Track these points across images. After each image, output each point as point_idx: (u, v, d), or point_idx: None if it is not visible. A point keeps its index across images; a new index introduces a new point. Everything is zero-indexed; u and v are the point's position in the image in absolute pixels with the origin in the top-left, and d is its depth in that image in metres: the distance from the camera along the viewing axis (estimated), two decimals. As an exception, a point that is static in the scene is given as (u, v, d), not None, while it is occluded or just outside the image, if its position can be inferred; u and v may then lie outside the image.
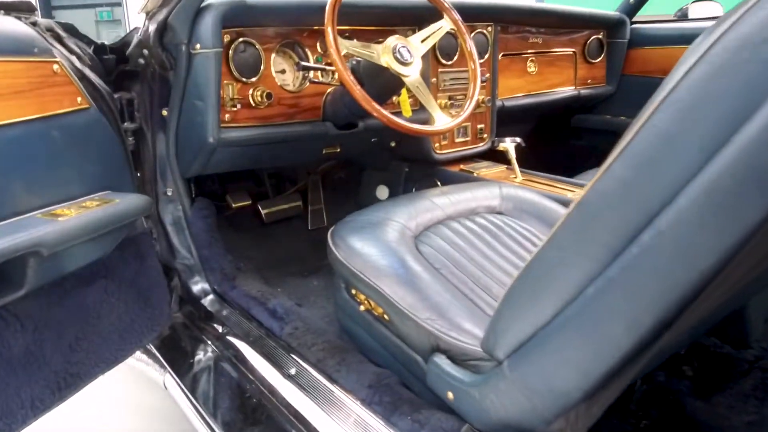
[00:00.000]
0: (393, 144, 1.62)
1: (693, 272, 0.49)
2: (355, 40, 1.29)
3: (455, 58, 1.56)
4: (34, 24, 1.05)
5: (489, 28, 1.63)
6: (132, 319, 1.11)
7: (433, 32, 1.20)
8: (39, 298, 0.96)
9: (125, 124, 1.24)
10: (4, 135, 0.89)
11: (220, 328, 1.26)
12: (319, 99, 1.34)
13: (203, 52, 1.11)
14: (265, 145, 1.28)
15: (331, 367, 0.99)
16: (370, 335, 0.98)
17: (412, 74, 1.13)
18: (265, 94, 1.21)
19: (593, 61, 2.02)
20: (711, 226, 0.47)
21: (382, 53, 1.10)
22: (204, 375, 1.23)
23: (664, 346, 0.61)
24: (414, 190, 1.69)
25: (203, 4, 1.12)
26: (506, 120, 1.75)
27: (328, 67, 1.25)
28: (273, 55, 1.26)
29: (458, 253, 1.02)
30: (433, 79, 1.53)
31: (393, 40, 1.11)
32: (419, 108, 1.49)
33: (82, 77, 1.07)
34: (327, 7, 1.05)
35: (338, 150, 1.48)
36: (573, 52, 1.97)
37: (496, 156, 1.63)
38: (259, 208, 1.65)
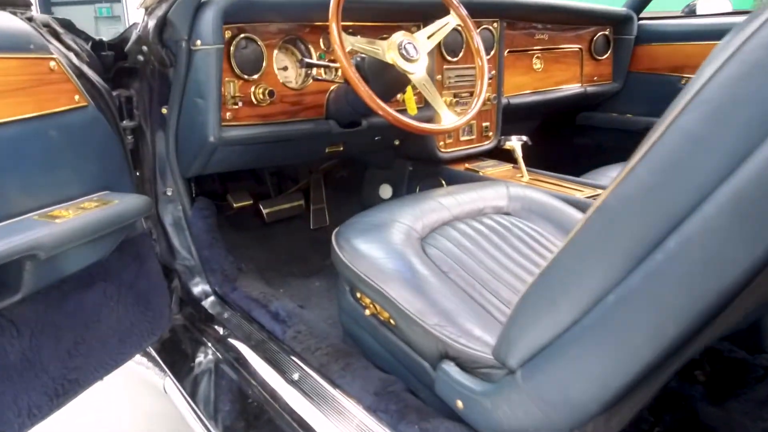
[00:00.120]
0: (397, 142, 1.59)
1: (720, 282, 0.46)
2: (359, 37, 1.26)
3: (460, 54, 1.53)
4: (30, 19, 1.02)
5: (495, 24, 1.59)
6: (132, 322, 1.08)
7: (440, 28, 1.17)
8: (36, 303, 0.93)
9: (124, 122, 1.22)
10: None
11: (221, 331, 1.24)
12: (322, 96, 1.31)
13: (204, 49, 1.08)
14: (267, 144, 1.25)
15: (335, 373, 0.96)
16: (375, 340, 0.96)
17: (418, 71, 1.10)
18: (267, 91, 1.18)
19: (600, 57, 1.99)
20: (740, 234, 0.45)
21: (388, 50, 1.07)
22: (205, 379, 1.21)
23: (686, 355, 0.58)
24: (418, 189, 1.66)
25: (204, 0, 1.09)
26: (511, 118, 1.73)
27: (331, 64, 1.22)
28: (275, 52, 1.23)
29: (466, 255, 0.99)
30: (438, 76, 1.50)
31: (399, 36, 1.08)
32: (424, 106, 1.47)
33: (80, 74, 1.05)
34: (331, 3, 1.02)
35: (341, 149, 1.45)
36: (579, 48, 1.94)
37: (501, 154, 1.60)
38: (261, 207, 1.62)
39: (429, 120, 1.51)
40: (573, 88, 1.94)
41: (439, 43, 1.33)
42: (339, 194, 1.85)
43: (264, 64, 1.20)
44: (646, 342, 0.52)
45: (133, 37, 1.15)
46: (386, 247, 0.95)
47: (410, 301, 0.84)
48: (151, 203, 1.07)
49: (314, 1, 1.21)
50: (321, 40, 1.31)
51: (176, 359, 1.35)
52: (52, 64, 0.98)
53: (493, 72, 1.62)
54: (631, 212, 0.53)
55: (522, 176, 1.44)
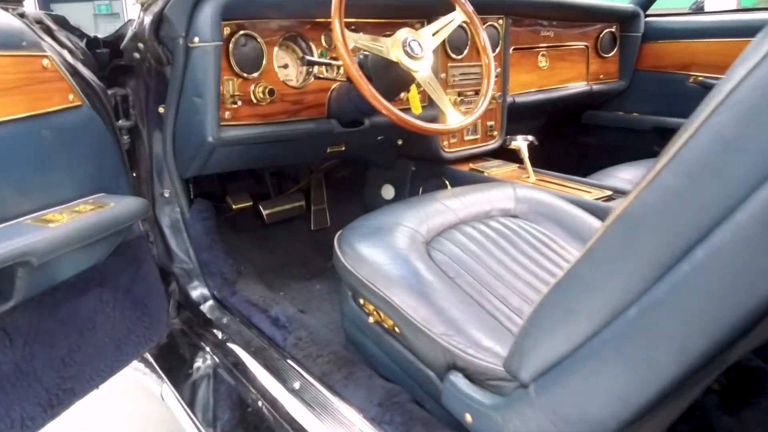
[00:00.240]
0: (400, 142, 1.56)
1: (752, 294, 0.43)
2: (361, 34, 1.22)
3: (465, 52, 1.50)
4: (21, 15, 0.99)
5: (500, 21, 1.56)
6: (128, 328, 1.05)
7: (445, 25, 1.14)
8: (29, 310, 0.90)
9: (120, 121, 1.18)
10: None
11: (219, 336, 1.21)
12: (324, 95, 1.28)
13: (202, 46, 1.05)
14: (267, 144, 1.22)
15: (337, 382, 0.93)
16: (379, 348, 0.93)
17: (422, 69, 1.07)
18: (267, 90, 1.14)
19: (606, 55, 1.95)
20: (775, 244, 0.42)
21: (392, 47, 1.04)
22: (203, 386, 1.17)
23: (717, 370, 0.55)
24: (421, 189, 1.63)
25: (202, -5, 1.06)
26: (515, 116, 1.69)
27: (333, 62, 1.19)
28: (275, 49, 1.19)
29: (473, 260, 0.96)
30: (442, 75, 1.47)
31: (403, 33, 1.05)
32: (427, 104, 1.43)
33: (74, 72, 1.01)
34: None
35: (343, 148, 1.42)
36: (585, 46, 1.90)
37: (505, 154, 1.57)
38: (261, 208, 1.59)
39: (433, 119, 1.47)
40: (579, 86, 1.90)
41: (444, 40, 1.30)
42: (340, 195, 1.82)
43: (264, 61, 1.16)
44: (670, 357, 0.49)
45: (129, 34, 1.11)
46: (390, 252, 0.92)
47: (416, 309, 0.81)
48: (148, 206, 1.04)
49: (315, -3, 1.18)
50: (323, 38, 1.27)
51: (174, 364, 1.32)
52: (45, 62, 0.95)
53: (498, 70, 1.59)
54: (656, 220, 0.50)
55: (528, 177, 1.41)
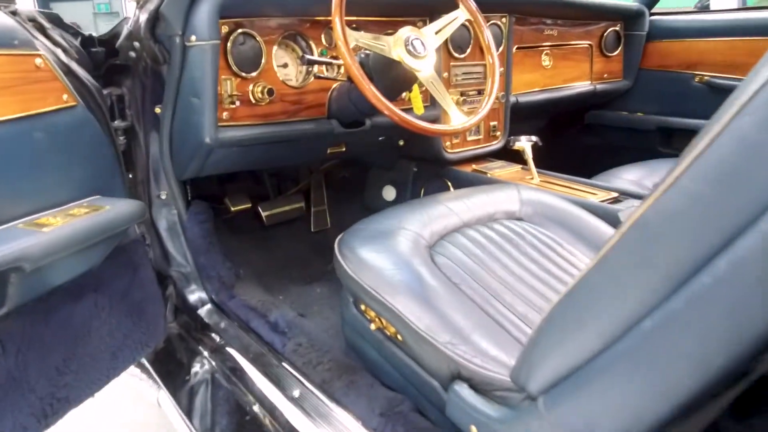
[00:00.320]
0: (401, 143, 1.53)
1: None
2: (363, 32, 1.20)
3: (468, 51, 1.47)
4: (13, 13, 0.96)
5: (503, 19, 1.53)
6: (124, 334, 1.03)
7: (448, 23, 1.11)
8: (22, 317, 0.88)
9: (115, 122, 1.16)
10: None
11: (217, 341, 1.18)
12: (324, 95, 1.25)
13: (199, 45, 1.02)
14: (266, 145, 1.19)
15: (338, 390, 0.91)
16: (381, 355, 0.90)
17: (425, 69, 1.04)
18: (266, 90, 1.12)
19: (610, 54, 1.93)
20: (803, 255, 0.39)
21: (394, 46, 1.01)
22: (200, 393, 1.15)
23: (740, 386, 0.53)
24: (423, 190, 1.60)
25: (199, -8, 1.03)
26: (518, 116, 1.67)
27: (334, 61, 1.16)
28: (275, 48, 1.17)
29: (477, 264, 0.93)
30: (445, 74, 1.44)
31: (406, 32, 1.02)
32: (429, 104, 1.41)
33: (68, 72, 0.99)
34: None
35: (344, 149, 1.39)
36: (589, 45, 1.88)
37: (509, 155, 1.54)
38: (260, 210, 1.56)
39: (435, 119, 1.45)
40: (582, 85, 1.88)
41: (446, 39, 1.28)
42: (340, 196, 1.80)
43: (263, 61, 1.13)
44: (687, 373, 0.47)
45: (124, 32, 1.09)
46: (392, 257, 0.89)
47: (419, 317, 0.79)
48: (144, 208, 1.01)
49: (316, -5, 1.15)
50: (323, 36, 1.25)
51: (171, 369, 1.30)
52: (39, 61, 0.92)
53: (501, 69, 1.56)
54: (674, 229, 0.47)
55: (532, 178, 1.39)
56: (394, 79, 1.07)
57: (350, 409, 0.87)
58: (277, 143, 1.20)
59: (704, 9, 1.99)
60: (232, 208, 1.48)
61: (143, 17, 1.03)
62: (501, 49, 1.55)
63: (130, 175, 1.23)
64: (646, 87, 1.97)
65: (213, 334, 1.18)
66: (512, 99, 1.63)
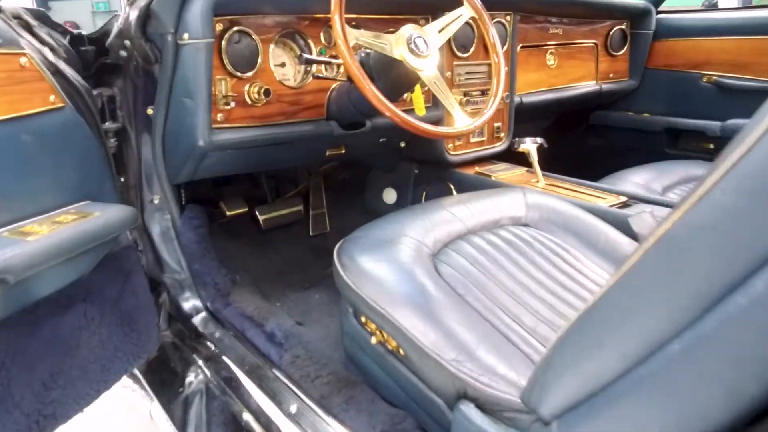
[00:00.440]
0: (402, 144, 1.49)
1: None
2: (363, 30, 1.15)
3: (471, 49, 1.43)
4: (-3, 10, 0.92)
5: (508, 17, 1.49)
6: (115, 346, 0.98)
7: (452, 21, 1.07)
8: (6, 330, 0.83)
9: (106, 123, 1.11)
10: None
11: (212, 351, 1.14)
12: (323, 95, 1.21)
13: (192, 43, 0.98)
14: (263, 148, 1.15)
15: (337, 406, 0.87)
16: (382, 369, 0.86)
17: (428, 69, 1.00)
18: (262, 90, 1.07)
19: (616, 53, 1.89)
20: None
21: (396, 44, 0.97)
22: (195, 403, 1.11)
23: None
24: (424, 193, 1.56)
25: (192, -11, 0.98)
26: (522, 117, 1.62)
27: (333, 60, 1.11)
28: (271, 47, 1.13)
29: (482, 274, 0.89)
30: (447, 73, 1.40)
31: (408, 30, 0.98)
32: (431, 105, 1.37)
33: (56, 72, 0.95)
34: None
35: (343, 151, 1.35)
36: (594, 43, 1.83)
37: (513, 156, 1.50)
38: (257, 213, 1.52)
39: (438, 121, 1.41)
40: (588, 85, 1.83)
41: (449, 37, 1.23)
42: (340, 198, 1.75)
43: (259, 60, 1.09)
44: (718, 401, 0.43)
45: (115, 30, 1.04)
46: (394, 266, 0.85)
47: (423, 331, 0.74)
48: (136, 214, 0.97)
49: (314, -9, 1.11)
50: (322, 34, 1.20)
51: (164, 378, 1.26)
52: (24, 60, 0.88)
53: (506, 68, 1.52)
54: (705, 245, 0.43)
55: (537, 181, 1.34)
56: (395, 79, 1.03)
57: (350, 426, 0.83)
58: (274, 145, 1.16)
59: (712, 7, 1.95)
60: (228, 213, 1.43)
61: (133, 14, 0.99)
62: (505, 47, 1.50)
63: (122, 179, 1.19)
64: (652, 87, 1.92)
65: (207, 346, 1.14)
66: (516, 99, 1.59)
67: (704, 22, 1.82)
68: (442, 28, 1.07)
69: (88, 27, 1.11)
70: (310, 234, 1.65)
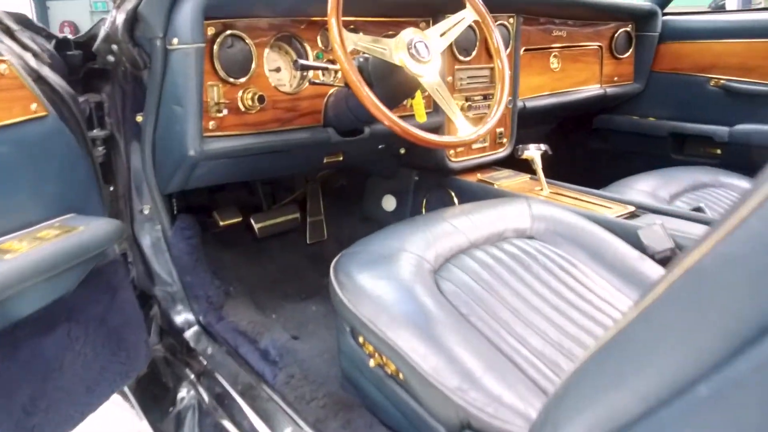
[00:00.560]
0: (402, 151, 1.45)
1: None
2: (361, 34, 1.11)
3: (473, 53, 1.38)
4: (-26, 14, 0.88)
5: (511, 20, 1.45)
6: (102, 366, 0.94)
7: (455, 24, 1.03)
8: None
9: (94, 131, 1.07)
10: None
11: (204, 366, 1.10)
12: (320, 101, 1.17)
13: (182, 48, 0.93)
14: (257, 156, 1.10)
15: (334, 431, 0.82)
16: (381, 392, 0.82)
17: (429, 75, 0.96)
18: (256, 96, 1.03)
19: (620, 56, 1.84)
20: None
21: (395, 49, 0.93)
22: (186, 422, 1.07)
23: None
24: (425, 200, 1.52)
25: (182, -9, 0.94)
26: (525, 122, 1.58)
27: (330, 66, 1.07)
28: (266, 51, 1.08)
29: (486, 291, 0.85)
30: (449, 78, 1.35)
31: (408, 34, 0.93)
32: (432, 110, 1.32)
33: (38, 78, 0.90)
34: None
35: (341, 158, 1.30)
36: (599, 46, 1.79)
37: (515, 163, 1.46)
38: (252, 221, 1.47)
39: (439, 127, 1.36)
40: (592, 89, 1.79)
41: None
42: (338, 205, 1.71)
43: (253, 65, 1.05)
44: None
45: (101, 34, 1.00)
46: (394, 284, 0.81)
47: (424, 356, 0.70)
48: (123, 228, 0.93)
49: (311, -7, 1.06)
50: (319, 38, 1.16)
51: (156, 393, 1.21)
52: (3, 67, 0.83)
53: (509, 72, 1.47)
54: (739, 278, 0.39)
55: (541, 189, 1.30)
56: (395, 85, 0.98)
57: (347, 453, 0.79)
58: (269, 154, 1.11)
59: (719, 9, 1.90)
60: (221, 223, 1.39)
61: (120, 18, 0.94)
62: (508, 50, 1.46)
63: (111, 188, 1.14)
64: (658, 90, 1.88)
65: (199, 362, 1.10)
66: (519, 104, 1.54)
67: (712, 25, 1.77)
68: (444, 32, 1.02)
69: (86, 27, 1.07)
70: (308, 242, 1.61)
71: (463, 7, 1.06)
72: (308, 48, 1.14)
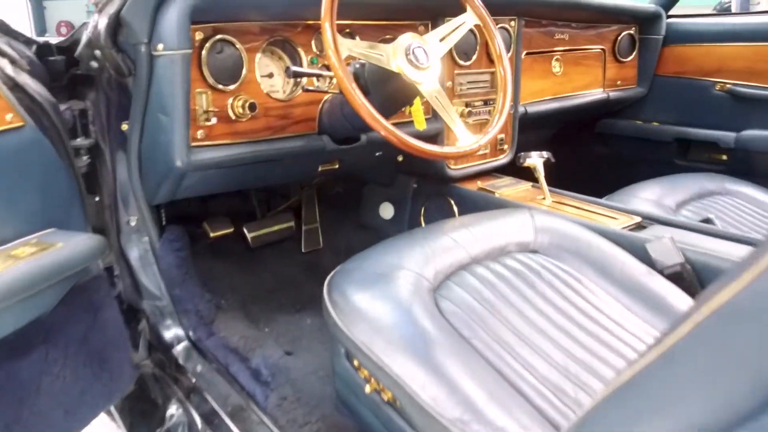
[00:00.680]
0: (400, 158, 1.40)
1: None
2: (357, 39, 1.06)
3: (474, 57, 1.34)
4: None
5: (512, 23, 1.40)
6: (82, 389, 0.89)
7: (455, 29, 0.98)
8: None
9: (78, 140, 1.02)
10: None
11: (193, 385, 1.05)
12: (315, 108, 1.12)
13: (167, 55, 0.88)
14: (248, 166, 1.06)
15: (327, 460, 0.78)
16: (377, 419, 0.77)
17: (428, 82, 0.91)
18: (247, 104, 0.98)
19: (624, 59, 1.80)
20: None
21: (393, 55, 0.88)
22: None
23: None
24: (423, 208, 1.47)
25: (167, -6, 0.89)
26: (526, 127, 1.54)
27: (325, 72, 1.02)
28: (258, 56, 1.03)
29: (489, 312, 0.81)
30: (448, 83, 1.31)
31: (406, 39, 0.89)
32: (431, 116, 1.28)
33: (15, 86, 0.85)
34: None
35: (337, 166, 1.26)
36: (602, 49, 1.74)
37: (516, 170, 1.41)
38: (245, 231, 1.43)
39: (437, 134, 1.32)
40: (595, 93, 1.74)
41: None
42: (334, 212, 1.66)
43: (244, 71, 1.00)
44: None
45: (84, 39, 0.95)
46: (390, 305, 0.76)
47: (422, 385, 0.66)
48: (105, 244, 0.88)
49: (304, -4, 1.01)
50: (313, 42, 1.11)
51: (145, 410, 1.17)
52: None
53: (511, 79, 1.43)
54: None
55: (544, 198, 1.26)
56: (392, 93, 0.94)
57: (341, 484, 0.75)
58: (261, 163, 1.07)
59: (725, 11, 1.86)
60: (212, 234, 1.34)
61: (102, 23, 0.89)
62: (509, 54, 1.41)
63: (96, 198, 1.10)
64: (661, 95, 1.84)
65: (188, 380, 1.05)
66: (521, 109, 1.50)
67: (718, 27, 1.73)
68: (444, 37, 0.98)
69: (84, 26, 1.01)
70: (303, 251, 1.56)
71: (463, 10, 1.01)
72: (302, 53, 1.10)
